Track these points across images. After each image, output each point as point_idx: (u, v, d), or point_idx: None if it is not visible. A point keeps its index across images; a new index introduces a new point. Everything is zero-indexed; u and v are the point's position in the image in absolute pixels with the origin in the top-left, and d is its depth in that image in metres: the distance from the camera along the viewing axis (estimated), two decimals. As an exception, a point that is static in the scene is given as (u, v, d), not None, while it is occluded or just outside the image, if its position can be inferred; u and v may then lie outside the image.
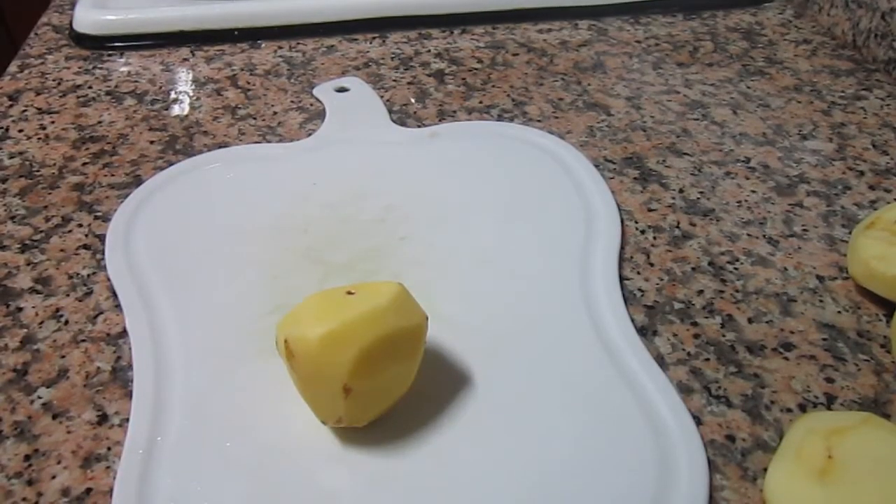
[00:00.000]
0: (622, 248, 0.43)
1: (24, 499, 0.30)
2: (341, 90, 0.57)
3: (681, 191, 0.47)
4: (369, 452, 0.31)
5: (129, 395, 0.34)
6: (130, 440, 0.31)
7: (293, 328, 0.30)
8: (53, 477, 0.31)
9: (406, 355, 0.31)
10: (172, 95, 0.57)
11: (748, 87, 0.58)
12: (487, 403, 0.33)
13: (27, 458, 0.32)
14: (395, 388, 0.31)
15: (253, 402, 0.33)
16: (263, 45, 0.64)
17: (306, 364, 0.29)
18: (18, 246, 0.43)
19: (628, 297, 0.39)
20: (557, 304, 0.38)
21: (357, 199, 0.44)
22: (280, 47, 0.64)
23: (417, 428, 0.32)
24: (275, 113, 0.55)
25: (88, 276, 0.41)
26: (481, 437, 0.32)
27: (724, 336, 0.38)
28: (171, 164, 0.49)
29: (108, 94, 0.57)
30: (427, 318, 0.32)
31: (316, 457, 0.31)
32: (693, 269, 0.42)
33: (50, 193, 0.47)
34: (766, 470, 0.31)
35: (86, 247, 0.43)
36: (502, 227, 0.43)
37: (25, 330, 0.38)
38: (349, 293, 0.31)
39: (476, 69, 0.61)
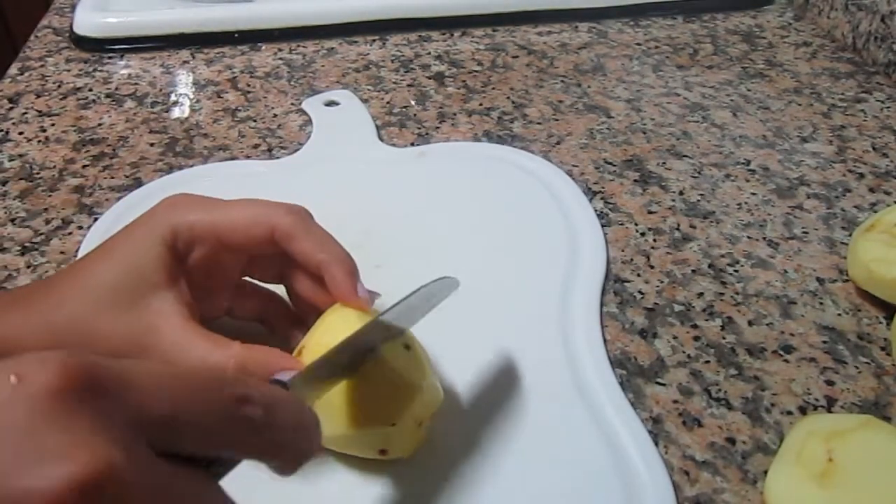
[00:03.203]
0: (622, 250, 0.43)
1: (23, 501, 0.30)
2: (331, 104, 0.55)
3: (681, 193, 0.47)
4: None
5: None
6: None
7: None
8: (53, 479, 0.31)
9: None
10: (172, 98, 0.57)
11: (748, 90, 0.58)
12: (456, 438, 0.32)
13: (27, 460, 0.32)
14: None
15: None
16: (263, 48, 0.64)
17: None
18: (18, 248, 0.43)
19: (628, 300, 0.39)
20: (535, 341, 0.37)
21: (336, 222, 0.38)
22: (280, 49, 0.64)
23: (380, 466, 0.31)
24: (275, 115, 0.55)
25: (88, 278, 0.41)
26: (450, 470, 0.31)
27: (724, 338, 0.38)
28: (171, 166, 0.49)
29: (108, 96, 0.57)
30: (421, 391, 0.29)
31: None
32: (693, 271, 0.42)
33: (50, 196, 0.47)
34: (766, 472, 0.31)
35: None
36: (483, 257, 0.42)
37: (25, 332, 0.37)
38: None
39: (476, 71, 0.61)
